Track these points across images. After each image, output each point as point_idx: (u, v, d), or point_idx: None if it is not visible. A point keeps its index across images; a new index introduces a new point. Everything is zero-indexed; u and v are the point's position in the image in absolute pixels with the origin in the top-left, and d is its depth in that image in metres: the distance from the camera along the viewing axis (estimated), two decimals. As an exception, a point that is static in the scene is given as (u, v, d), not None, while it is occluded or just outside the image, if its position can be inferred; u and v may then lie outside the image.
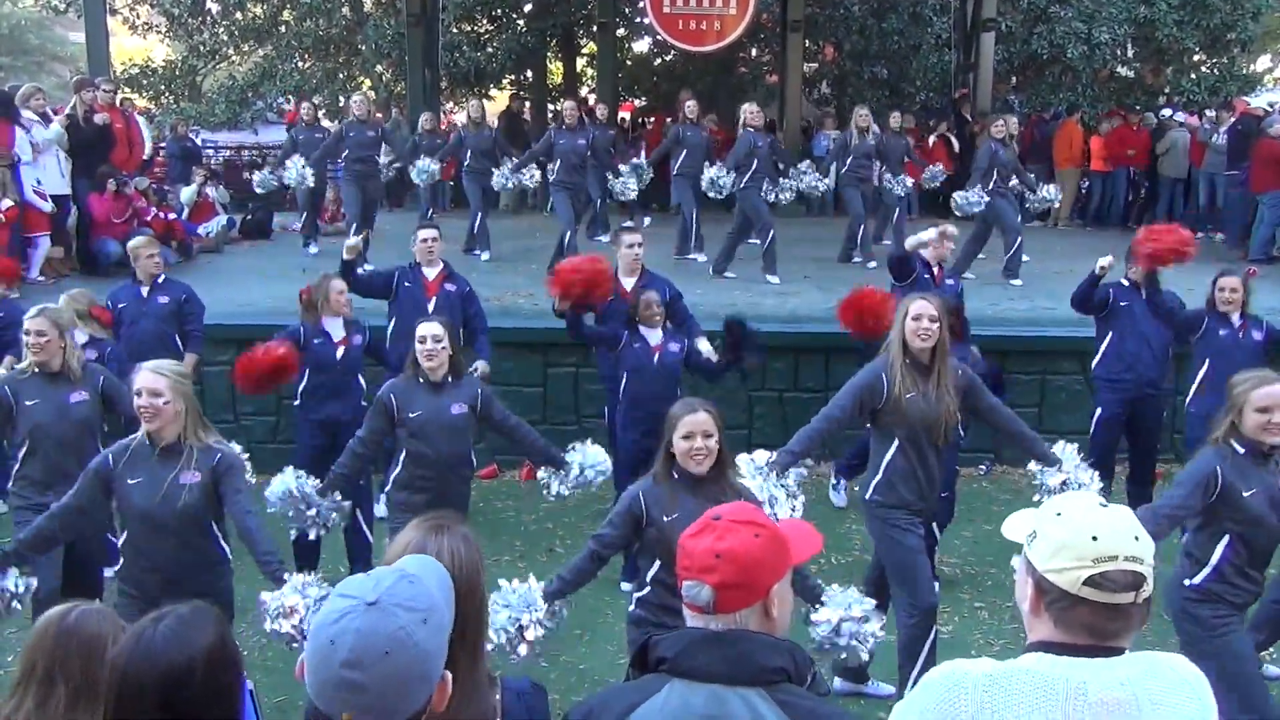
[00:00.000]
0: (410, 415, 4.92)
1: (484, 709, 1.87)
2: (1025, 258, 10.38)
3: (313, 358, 6.14)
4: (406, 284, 6.94)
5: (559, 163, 10.44)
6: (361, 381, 6.32)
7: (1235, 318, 6.32)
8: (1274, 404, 3.78)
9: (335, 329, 6.22)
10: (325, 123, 14.20)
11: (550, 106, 21.33)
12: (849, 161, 10.92)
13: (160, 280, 6.94)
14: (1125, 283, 6.70)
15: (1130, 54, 19.51)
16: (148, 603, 3.55)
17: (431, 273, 7.02)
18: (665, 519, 3.77)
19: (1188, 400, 6.49)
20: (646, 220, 13.68)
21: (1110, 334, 6.70)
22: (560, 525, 7.00)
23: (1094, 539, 1.74)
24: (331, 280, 6.25)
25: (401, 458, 5.03)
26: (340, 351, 6.18)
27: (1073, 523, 1.79)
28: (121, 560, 4.14)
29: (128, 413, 4.67)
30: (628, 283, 6.72)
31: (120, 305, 6.83)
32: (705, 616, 1.83)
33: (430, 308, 6.76)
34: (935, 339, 4.49)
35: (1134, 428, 6.79)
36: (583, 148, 10.60)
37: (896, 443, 4.56)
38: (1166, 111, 15.08)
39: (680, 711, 1.77)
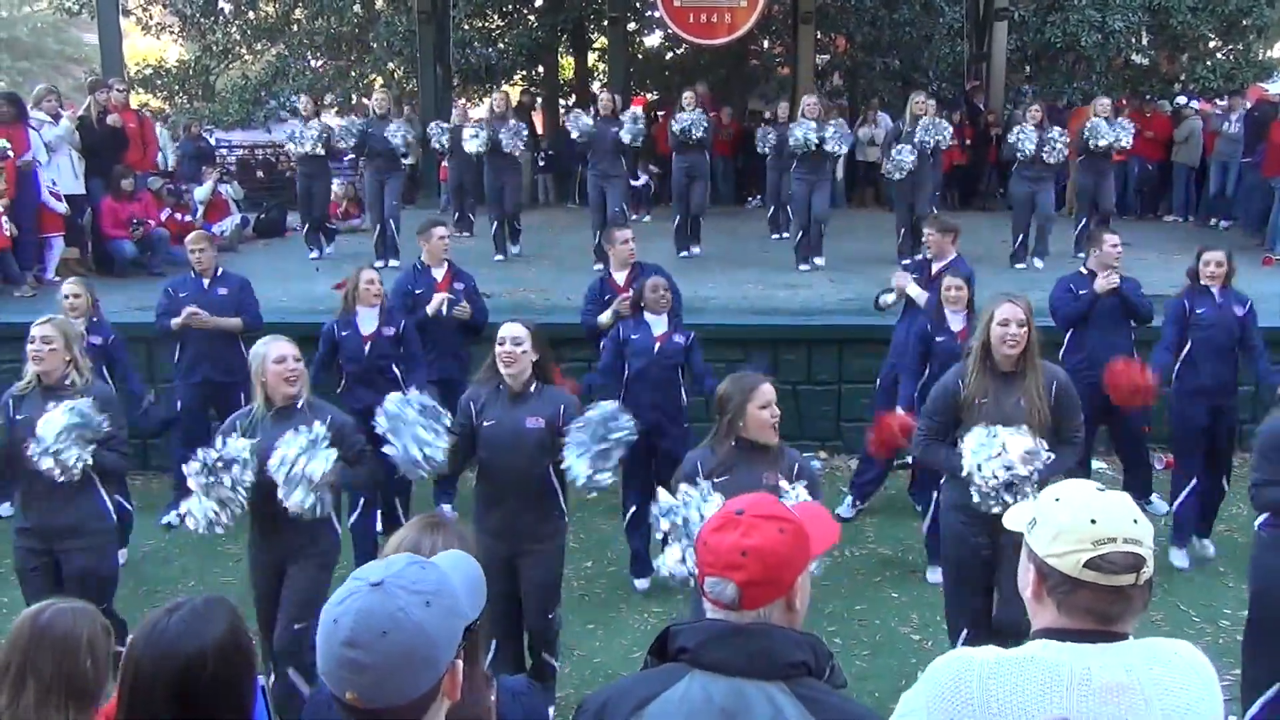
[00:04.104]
0: (485, 424, 4.57)
1: (479, 709, 1.88)
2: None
3: (343, 350, 6.23)
4: (417, 291, 6.80)
5: (593, 150, 10.58)
6: (396, 371, 6.27)
7: (1217, 293, 6.14)
8: None
9: (367, 321, 6.23)
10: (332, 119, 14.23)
11: (562, 101, 21.32)
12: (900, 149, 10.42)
13: (219, 273, 7.04)
14: (1083, 272, 6.57)
15: (1145, 41, 19.36)
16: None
17: (440, 273, 6.94)
18: (716, 482, 3.95)
19: (1172, 380, 6.25)
20: (647, 217, 13.70)
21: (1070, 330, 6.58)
22: (573, 521, 6.94)
23: (1093, 522, 1.75)
24: (362, 271, 6.27)
25: (477, 469, 4.72)
26: (368, 346, 6.22)
27: (1071, 507, 1.79)
28: None
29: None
30: (620, 277, 6.66)
31: (181, 295, 6.91)
32: (728, 612, 1.82)
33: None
34: (1023, 346, 4.30)
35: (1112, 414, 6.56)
36: (616, 135, 10.56)
37: None
38: (1181, 99, 14.95)
39: (700, 703, 1.77)
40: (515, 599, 4.63)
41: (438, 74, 15.41)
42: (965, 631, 4.64)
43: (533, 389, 4.58)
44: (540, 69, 21.36)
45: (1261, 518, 4.38)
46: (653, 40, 22.31)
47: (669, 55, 22.01)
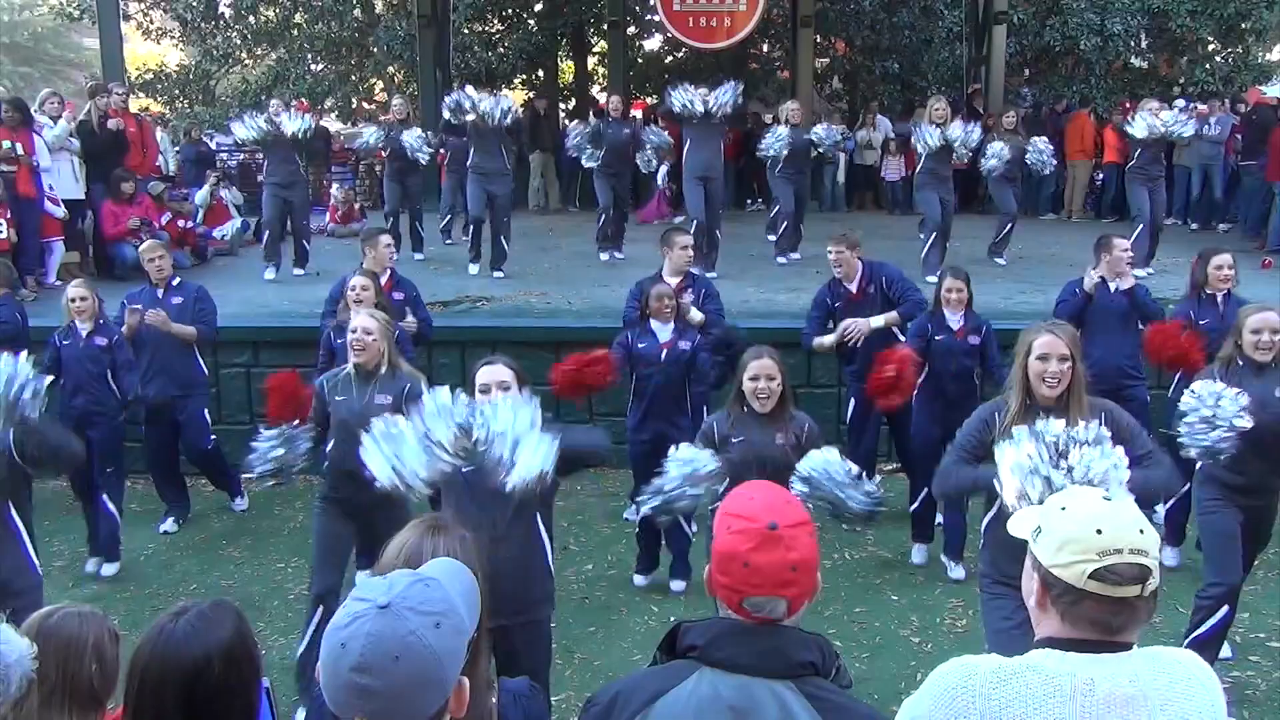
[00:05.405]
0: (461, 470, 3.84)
1: (482, 711, 1.88)
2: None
3: (340, 356, 6.19)
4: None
5: (604, 151, 10.80)
6: None
7: (1220, 300, 6.09)
8: (1264, 326, 4.66)
9: None
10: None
11: (562, 105, 21.35)
12: (923, 159, 10.02)
13: (175, 283, 7.04)
14: (1095, 277, 6.42)
15: (1144, 45, 19.39)
16: None
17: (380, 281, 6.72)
18: (734, 440, 4.64)
19: (1171, 389, 6.16)
20: (679, 219, 13.68)
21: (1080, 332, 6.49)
22: (575, 524, 7.02)
23: (1099, 532, 1.73)
24: (355, 277, 6.25)
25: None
26: None
27: (1077, 517, 1.77)
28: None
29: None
30: (672, 281, 6.53)
31: (136, 307, 6.91)
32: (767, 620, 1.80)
33: None
34: (1065, 384, 3.75)
35: None
36: (627, 137, 10.86)
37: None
38: (1180, 103, 14.96)
39: (709, 700, 1.77)
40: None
41: (438, 78, 15.40)
42: None
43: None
44: (540, 73, 21.41)
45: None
46: (652, 44, 22.34)
47: (668, 59, 22.03)
